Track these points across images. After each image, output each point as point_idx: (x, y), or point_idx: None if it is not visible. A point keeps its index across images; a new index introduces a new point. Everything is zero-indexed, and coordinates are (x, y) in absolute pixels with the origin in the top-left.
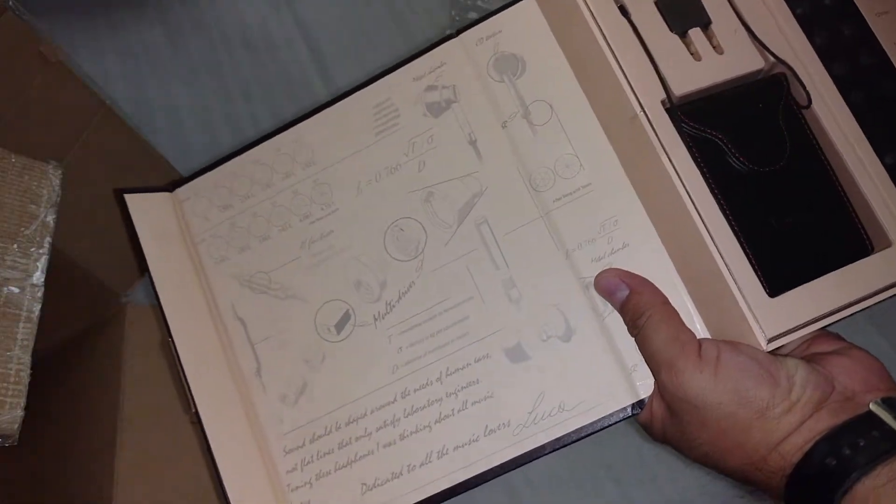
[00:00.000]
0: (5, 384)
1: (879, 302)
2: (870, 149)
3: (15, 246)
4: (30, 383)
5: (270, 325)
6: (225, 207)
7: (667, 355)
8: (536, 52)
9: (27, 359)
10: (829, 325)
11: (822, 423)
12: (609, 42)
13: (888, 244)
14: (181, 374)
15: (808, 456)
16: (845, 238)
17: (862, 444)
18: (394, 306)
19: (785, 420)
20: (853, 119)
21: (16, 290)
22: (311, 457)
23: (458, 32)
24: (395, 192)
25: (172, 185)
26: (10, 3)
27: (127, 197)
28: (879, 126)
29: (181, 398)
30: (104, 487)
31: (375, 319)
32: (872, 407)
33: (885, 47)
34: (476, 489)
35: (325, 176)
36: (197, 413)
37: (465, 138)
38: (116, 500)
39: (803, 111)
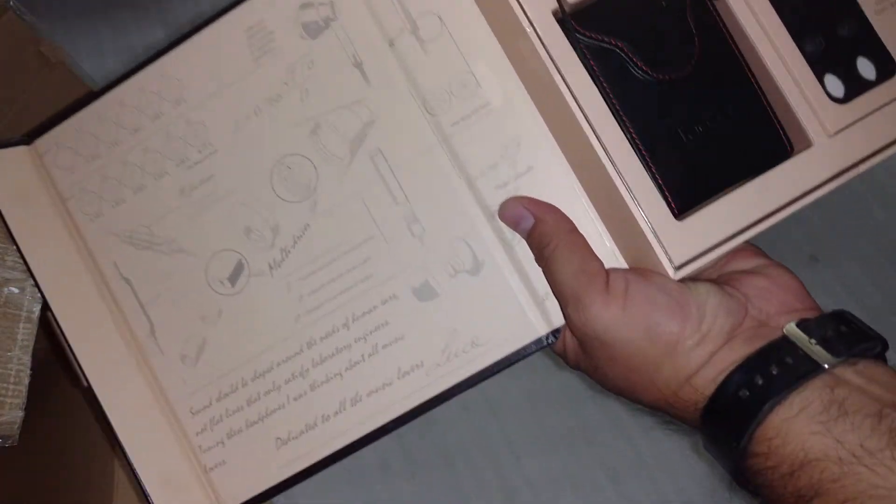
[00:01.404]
0: (5, 384)
1: (800, 209)
2: (787, 36)
3: (15, 246)
4: (30, 383)
5: (159, 283)
6: (92, 158)
7: (573, 289)
8: None
9: (27, 359)
10: (748, 239)
11: (736, 352)
12: None
13: (808, 144)
14: (66, 346)
15: (722, 388)
16: (762, 142)
17: (775, 372)
18: (289, 252)
19: (696, 353)
20: (769, 4)
21: (16, 290)
22: (220, 415)
23: None
24: (278, 126)
25: (30, 136)
26: (11, 3)
27: None
28: (799, 8)
29: (69, 372)
30: (104, 488)
31: (271, 268)
32: (786, 330)
33: None
34: (473, 489)
35: (199, 114)
36: (89, 386)
37: (349, 61)
38: (117, 500)
39: (714, 2)
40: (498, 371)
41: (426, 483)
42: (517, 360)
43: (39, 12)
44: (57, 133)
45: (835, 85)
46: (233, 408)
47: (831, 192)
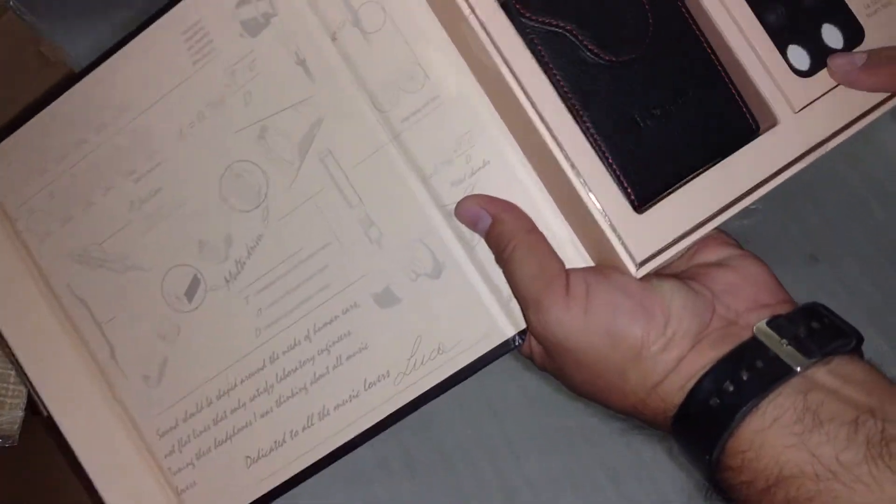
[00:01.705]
0: (5, 384)
1: (770, 190)
2: (746, 6)
3: None
4: None
5: (115, 302)
6: (39, 173)
7: (532, 293)
8: None
9: None
10: (716, 226)
11: (704, 357)
12: None
13: (774, 122)
14: (23, 377)
15: (690, 397)
16: (726, 123)
17: (745, 377)
18: (244, 264)
19: (662, 359)
20: None
21: None
22: (188, 436)
23: None
24: (223, 131)
25: None
26: (11, 3)
27: None
28: None
29: (31, 400)
30: None
31: (227, 281)
32: (756, 330)
33: None
34: (473, 489)
35: (142, 122)
36: (50, 416)
37: (291, 58)
38: None
39: None
40: (467, 376)
41: (426, 483)
42: (486, 364)
43: (39, 12)
44: (3, 147)
45: (799, 56)
46: (200, 427)
47: (831, 191)
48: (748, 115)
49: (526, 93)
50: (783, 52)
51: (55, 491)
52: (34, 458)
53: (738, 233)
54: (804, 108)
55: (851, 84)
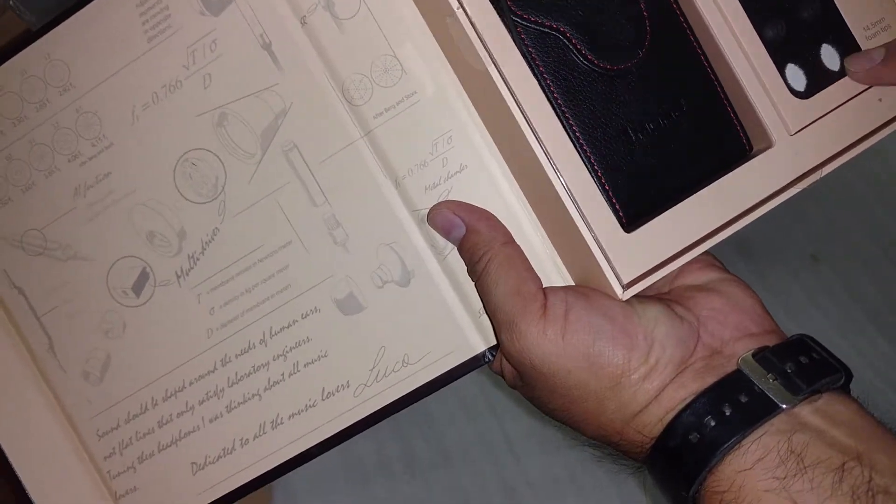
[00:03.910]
0: None
1: (762, 215)
2: (746, 20)
3: None
4: None
5: (56, 293)
6: None
7: (507, 313)
8: None
9: None
10: (706, 250)
11: (685, 388)
12: None
13: (769, 144)
14: None
15: (669, 430)
16: (719, 141)
17: (728, 412)
18: (198, 259)
19: (642, 388)
20: None
21: None
22: (130, 438)
23: None
24: (180, 116)
25: None
26: (11, 2)
27: None
28: None
29: None
30: None
31: (178, 277)
32: (742, 363)
33: None
34: (473, 489)
35: (90, 102)
36: None
37: (256, 41)
38: None
39: None
40: (432, 391)
41: (426, 483)
42: (454, 380)
43: (39, 12)
44: None
45: (796, 76)
46: (143, 430)
47: (833, 191)
48: (742, 135)
49: (513, 95)
50: (781, 71)
51: None
52: None
53: (739, 233)
54: (800, 130)
55: (876, 81)
